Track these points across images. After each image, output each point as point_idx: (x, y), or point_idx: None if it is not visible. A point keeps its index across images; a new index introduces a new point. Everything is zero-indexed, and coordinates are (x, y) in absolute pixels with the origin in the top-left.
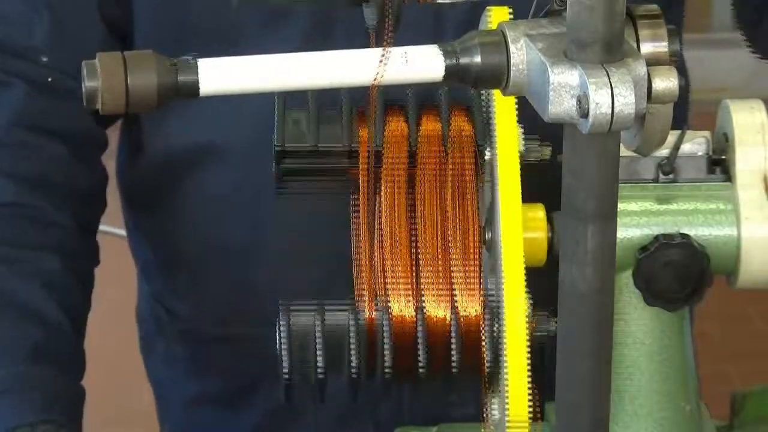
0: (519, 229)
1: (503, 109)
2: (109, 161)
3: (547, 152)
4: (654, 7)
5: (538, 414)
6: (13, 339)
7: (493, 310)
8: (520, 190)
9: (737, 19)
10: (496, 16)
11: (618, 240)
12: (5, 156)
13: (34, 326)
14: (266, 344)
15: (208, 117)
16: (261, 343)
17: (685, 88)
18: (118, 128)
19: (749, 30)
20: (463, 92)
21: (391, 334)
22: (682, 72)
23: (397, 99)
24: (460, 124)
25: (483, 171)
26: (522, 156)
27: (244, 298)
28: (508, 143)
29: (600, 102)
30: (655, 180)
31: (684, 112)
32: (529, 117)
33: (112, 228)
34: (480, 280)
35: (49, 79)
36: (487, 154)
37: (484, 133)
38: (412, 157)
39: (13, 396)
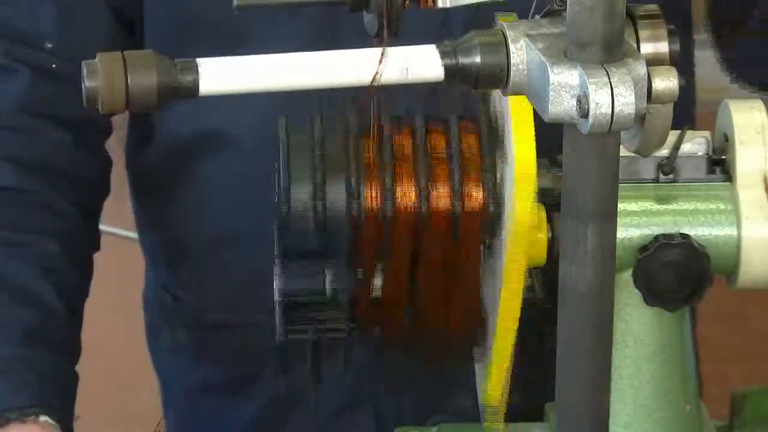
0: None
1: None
2: (118, 162)
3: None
4: (654, 7)
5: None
6: (7, 321)
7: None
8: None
9: (708, 30)
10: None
11: (618, 240)
12: (8, 141)
13: (30, 309)
14: (269, 333)
15: (214, 105)
16: (264, 331)
17: (691, 87)
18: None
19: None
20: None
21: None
22: (689, 71)
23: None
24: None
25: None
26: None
27: (248, 286)
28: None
29: (600, 102)
30: (655, 180)
31: (688, 111)
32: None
33: (112, 228)
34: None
35: (54, 65)
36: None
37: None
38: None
39: (5, 378)
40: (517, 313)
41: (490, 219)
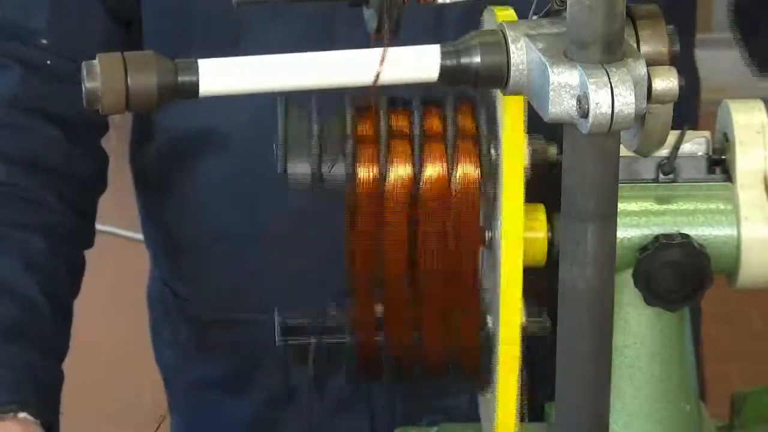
0: (520, 230)
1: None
2: (118, 161)
3: (552, 151)
4: (654, 7)
5: (524, 414)
6: None
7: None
8: (522, 191)
9: (733, 27)
10: (499, 15)
11: (618, 240)
12: None
13: (12, 305)
14: (265, 330)
15: (211, 104)
16: (260, 328)
17: (695, 87)
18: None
19: (745, 38)
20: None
21: (391, 357)
22: (692, 70)
23: (400, 96)
24: (464, 123)
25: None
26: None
27: (245, 283)
28: (514, 146)
29: (600, 102)
30: (655, 180)
31: (690, 111)
32: (528, 117)
33: (112, 228)
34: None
35: (48, 62)
36: (493, 153)
37: (488, 133)
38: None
39: None
40: (518, 342)
41: (487, 201)
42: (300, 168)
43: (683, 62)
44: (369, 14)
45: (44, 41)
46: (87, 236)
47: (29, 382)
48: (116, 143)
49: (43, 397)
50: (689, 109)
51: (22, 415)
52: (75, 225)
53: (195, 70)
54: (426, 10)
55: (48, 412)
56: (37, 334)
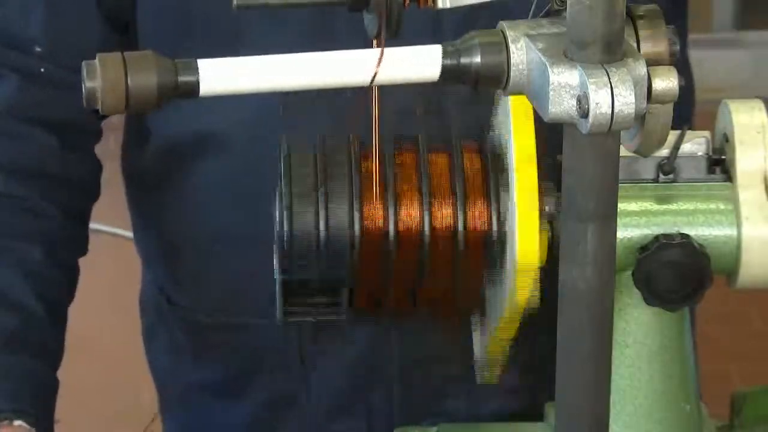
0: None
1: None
2: (111, 163)
3: None
4: (654, 7)
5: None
6: None
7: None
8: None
9: None
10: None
11: (618, 240)
12: None
13: (10, 315)
14: (264, 333)
15: (207, 106)
16: (259, 331)
17: (689, 88)
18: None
19: None
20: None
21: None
22: (686, 71)
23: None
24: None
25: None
26: None
27: (243, 287)
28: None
29: (600, 102)
30: (655, 180)
31: (688, 112)
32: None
33: (112, 228)
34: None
35: (42, 70)
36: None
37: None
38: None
39: None
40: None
41: (494, 245)
42: (305, 225)
43: (680, 62)
44: (369, 19)
45: (39, 49)
46: (82, 243)
47: (26, 390)
48: (113, 145)
49: (39, 404)
50: (687, 109)
51: (18, 423)
52: (72, 232)
53: (195, 70)
54: (425, 15)
55: (43, 419)
56: (34, 343)
